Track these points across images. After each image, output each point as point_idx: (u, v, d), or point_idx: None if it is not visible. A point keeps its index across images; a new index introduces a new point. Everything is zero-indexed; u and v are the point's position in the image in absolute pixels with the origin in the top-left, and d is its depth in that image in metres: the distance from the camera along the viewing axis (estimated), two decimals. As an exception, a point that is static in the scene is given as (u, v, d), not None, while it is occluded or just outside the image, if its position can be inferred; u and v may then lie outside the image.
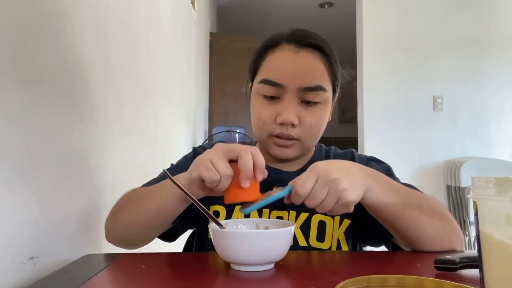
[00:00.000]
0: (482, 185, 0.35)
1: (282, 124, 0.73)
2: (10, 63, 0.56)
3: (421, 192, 0.72)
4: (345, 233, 0.78)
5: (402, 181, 0.75)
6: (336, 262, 0.66)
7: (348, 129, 5.28)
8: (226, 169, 0.58)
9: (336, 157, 0.86)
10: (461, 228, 1.77)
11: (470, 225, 2.85)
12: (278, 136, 0.74)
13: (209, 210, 0.77)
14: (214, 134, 3.11)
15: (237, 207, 0.78)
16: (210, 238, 0.59)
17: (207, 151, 0.61)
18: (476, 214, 0.37)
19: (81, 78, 0.80)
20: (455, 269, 0.54)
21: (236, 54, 3.52)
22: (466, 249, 2.19)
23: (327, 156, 0.86)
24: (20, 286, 0.56)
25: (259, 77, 0.76)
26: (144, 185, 0.79)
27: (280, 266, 0.58)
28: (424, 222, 0.65)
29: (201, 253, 0.74)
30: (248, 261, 0.55)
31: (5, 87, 0.55)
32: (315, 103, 0.75)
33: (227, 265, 0.58)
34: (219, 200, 0.77)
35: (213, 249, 0.58)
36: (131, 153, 1.17)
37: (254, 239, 0.54)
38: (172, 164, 0.86)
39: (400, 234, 0.68)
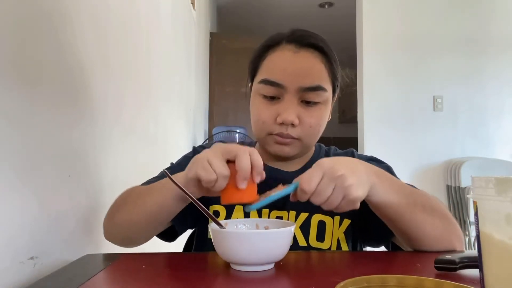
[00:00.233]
0: (482, 185, 0.35)
1: (282, 124, 0.73)
2: (10, 63, 0.56)
3: (422, 191, 0.72)
4: (345, 233, 0.78)
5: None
6: (336, 262, 0.66)
7: (348, 129, 5.28)
8: (223, 170, 0.57)
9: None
10: (461, 228, 1.77)
11: (470, 225, 2.85)
12: (277, 135, 0.74)
13: (208, 210, 0.77)
14: (214, 134, 3.11)
15: (237, 207, 0.78)
16: (210, 238, 0.59)
17: (205, 150, 0.61)
18: (476, 214, 0.37)
19: (81, 78, 0.80)
20: (455, 269, 0.54)
21: (236, 54, 3.52)
22: (466, 249, 2.19)
23: (327, 156, 0.86)
24: (20, 286, 0.56)
25: (259, 77, 0.76)
26: (143, 184, 0.79)
27: (280, 266, 0.58)
28: (427, 221, 0.65)
29: (201, 253, 0.74)
30: (248, 261, 0.55)
31: (5, 87, 0.55)
32: (315, 103, 0.75)
33: (227, 265, 0.58)
34: (218, 200, 0.77)
35: (213, 249, 0.58)
36: (131, 153, 1.17)
37: (254, 239, 0.54)
38: (172, 163, 0.86)
39: (402, 232, 0.68)
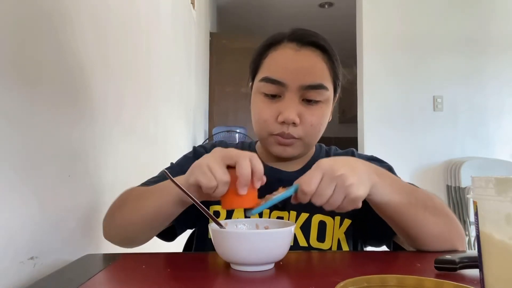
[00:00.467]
0: (482, 185, 0.35)
1: (283, 123, 0.73)
2: (10, 63, 0.56)
3: (424, 190, 0.71)
4: (345, 233, 0.78)
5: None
6: (336, 262, 0.66)
7: (348, 129, 5.29)
8: (223, 176, 0.57)
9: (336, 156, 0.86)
10: (461, 228, 1.77)
11: (470, 225, 2.85)
12: (279, 135, 0.74)
13: (209, 210, 0.77)
14: (214, 134, 3.11)
15: (237, 207, 0.78)
16: (210, 238, 0.59)
17: (205, 155, 0.61)
18: (476, 214, 0.37)
19: (81, 78, 0.80)
20: (455, 269, 0.54)
21: (236, 54, 3.52)
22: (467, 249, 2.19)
23: (327, 156, 0.86)
24: (20, 286, 0.56)
25: (260, 75, 0.76)
26: (143, 184, 0.79)
27: (280, 266, 0.58)
28: (429, 220, 0.65)
29: (201, 253, 0.74)
30: (248, 261, 0.55)
31: (5, 87, 0.55)
32: (316, 101, 0.74)
33: (227, 265, 0.58)
34: (219, 200, 0.77)
35: (213, 249, 0.58)
36: (131, 153, 1.17)
37: (254, 239, 0.54)
38: (172, 163, 0.86)
39: (404, 232, 0.67)
